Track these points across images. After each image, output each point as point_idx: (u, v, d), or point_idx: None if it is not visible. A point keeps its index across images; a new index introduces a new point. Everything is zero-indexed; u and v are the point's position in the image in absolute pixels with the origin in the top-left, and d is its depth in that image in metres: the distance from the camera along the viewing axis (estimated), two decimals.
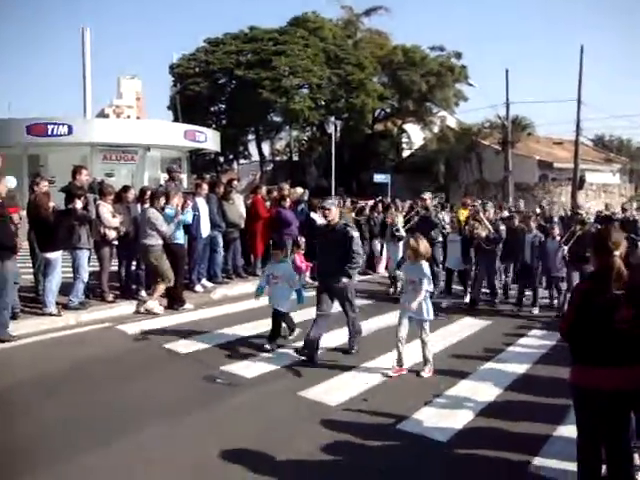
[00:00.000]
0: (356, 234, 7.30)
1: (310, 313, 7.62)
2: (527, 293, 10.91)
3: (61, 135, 28.56)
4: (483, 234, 10.57)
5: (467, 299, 11.20)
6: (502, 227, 10.97)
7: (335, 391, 6.08)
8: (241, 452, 4.67)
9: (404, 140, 47.58)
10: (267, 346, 7.47)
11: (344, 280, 7.13)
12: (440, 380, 6.53)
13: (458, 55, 44.00)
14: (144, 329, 8.42)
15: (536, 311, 10.41)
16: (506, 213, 13.95)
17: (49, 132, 28.48)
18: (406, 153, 47.51)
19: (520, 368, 7.06)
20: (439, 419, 5.42)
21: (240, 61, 42.25)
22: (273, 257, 8.46)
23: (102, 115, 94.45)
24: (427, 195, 11.85)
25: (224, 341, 7.85)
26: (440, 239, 11.55)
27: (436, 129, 44.81)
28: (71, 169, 9.71)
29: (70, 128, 28.65)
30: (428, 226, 10.94)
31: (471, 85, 44.35)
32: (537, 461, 4.64)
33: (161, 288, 9.54)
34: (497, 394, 6.12)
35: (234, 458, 4.55)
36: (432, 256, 9.93)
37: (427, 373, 6.65)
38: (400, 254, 11.10)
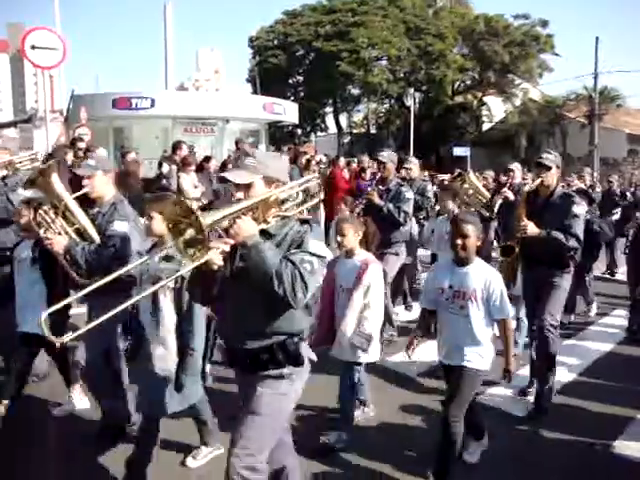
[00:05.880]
0: None
1: None
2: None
3: (144, 108, 29.34)
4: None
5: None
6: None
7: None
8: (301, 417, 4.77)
9: (484, 113, 46.37)
10: None
11: None
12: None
13: (544, 23, 42.25)
14: None
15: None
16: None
17: (133, 106, 29.25)
18: (486, 126, 46.29)
19: (602, 347, 6.85)
20: (516, 394, 5.35)
21: (318, 33, 42.14)
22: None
23: (181, 88, 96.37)
24: (384, 155, 6.91)
25: None
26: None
27: (518, 101, 43.43)
28: (153, 141, 9.98)
29: (153, 101, 29.33)
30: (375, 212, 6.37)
31: (557, 55, 42.69)
32: (619, 443, 4.52)
33: None
34: (577, 373, 5.97)
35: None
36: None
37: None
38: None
